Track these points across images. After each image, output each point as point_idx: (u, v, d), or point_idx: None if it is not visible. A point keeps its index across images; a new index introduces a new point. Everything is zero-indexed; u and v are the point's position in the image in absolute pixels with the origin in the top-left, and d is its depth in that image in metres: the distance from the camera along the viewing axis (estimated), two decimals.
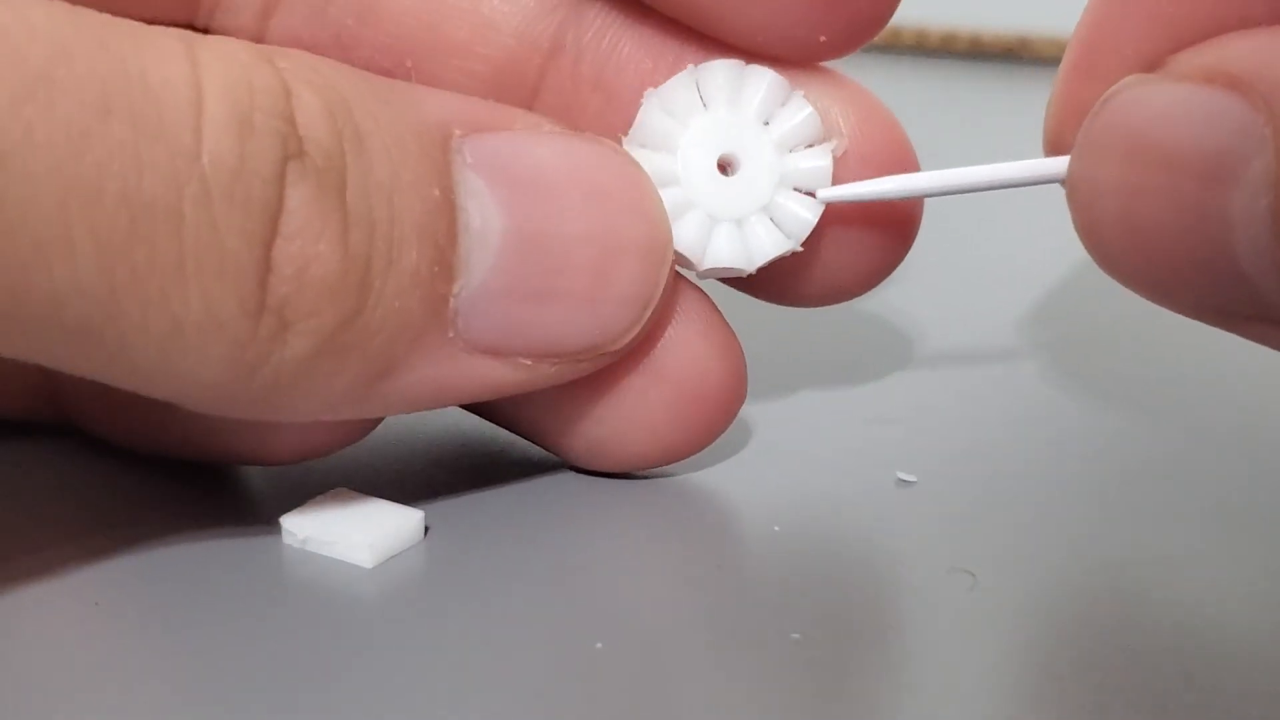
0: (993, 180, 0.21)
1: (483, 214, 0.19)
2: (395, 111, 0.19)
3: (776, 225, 0.21)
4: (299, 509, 0.20)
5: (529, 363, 0.20)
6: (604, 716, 0.17)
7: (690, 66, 0.21)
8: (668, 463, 0.22)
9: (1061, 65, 0.21)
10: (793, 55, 0.21)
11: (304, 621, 0.19)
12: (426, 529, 0.21)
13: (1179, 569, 0.20)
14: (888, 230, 0.22)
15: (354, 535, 0.20)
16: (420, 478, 0.22)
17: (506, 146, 0.20)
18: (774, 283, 0.22)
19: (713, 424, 0.22)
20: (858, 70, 0.22)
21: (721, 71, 0.21)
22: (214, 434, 0.21)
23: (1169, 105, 0.18)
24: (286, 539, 0.20)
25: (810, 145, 0.21)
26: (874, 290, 0.23)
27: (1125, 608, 0.20)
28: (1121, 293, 0.20)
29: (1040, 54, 0.46)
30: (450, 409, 0.22)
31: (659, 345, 0.21)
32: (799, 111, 0.21)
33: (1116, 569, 0.20)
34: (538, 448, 0.23)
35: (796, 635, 0.19)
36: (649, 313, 0.20)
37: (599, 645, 0.18)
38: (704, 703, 0.17)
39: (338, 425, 0.21)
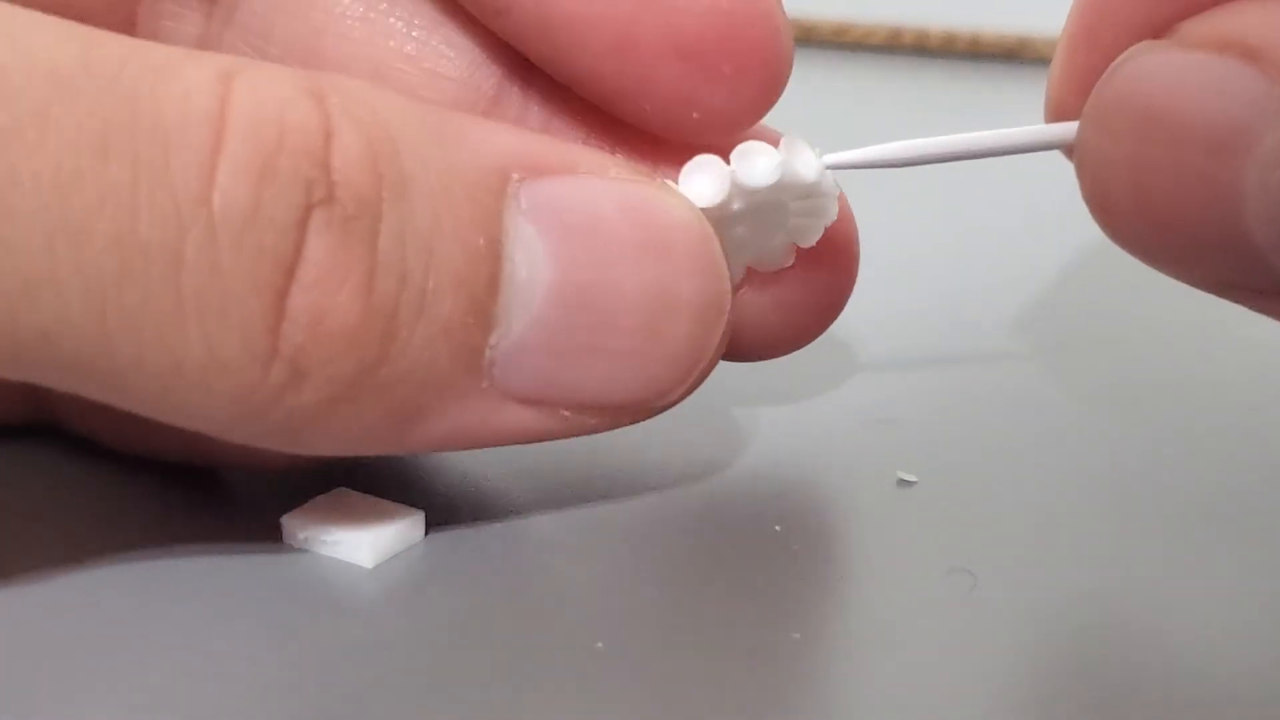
0: (997, 146, 0.21)
1: (530, 264, 0.18)
2: (449, 153, 0.18)
3: (807, 219, 0.21)
4: (299, 509, 0.20)
5: (568, 414, 0.19)
6: (604, 716, 0.17)
7: (732, 160, 0.20)
8: None
9: (1063, 30, 0.21)
10: (702, 134, 0.21)
11: (304, 621, 0.19)
12: (426, 529, 0.21)
13: (1180, 570, 0.20)
14: (829, 269, 0.22)
15: (354, 535, 0.20)
16: (420, 478, 0.22)
17: (565, 192, 0.19)
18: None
19: None
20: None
21: (763, 177, 0.20)
22: (204, 439, 0.21)
23: (1181, 75, 0.18)
24: (286, 539, 0.20)
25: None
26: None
27: (1126, 608, 0.20)
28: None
29: (1040, 54, 0.47)
30: None
31: None
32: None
33: (1117, 569, 0.20)
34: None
35: (797, 635, 0.19)
36: (700, 370, 0.20)
37: (599, 645, 0.18)
38: (704, 703, 0.17)
39: None
